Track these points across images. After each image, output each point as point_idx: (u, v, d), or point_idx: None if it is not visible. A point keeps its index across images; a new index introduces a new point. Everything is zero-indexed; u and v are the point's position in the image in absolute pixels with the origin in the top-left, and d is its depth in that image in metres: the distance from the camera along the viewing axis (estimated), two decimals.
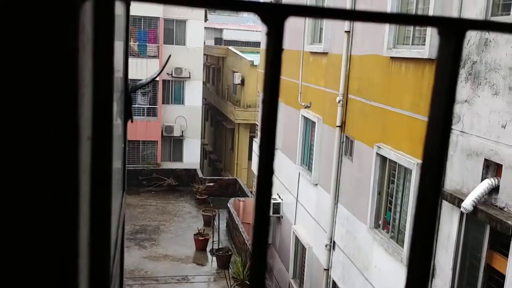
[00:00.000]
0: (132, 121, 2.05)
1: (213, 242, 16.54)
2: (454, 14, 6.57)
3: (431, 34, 7.11)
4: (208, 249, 16.62)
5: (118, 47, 1.60)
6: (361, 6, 9.62)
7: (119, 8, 1.65)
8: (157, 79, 23.81)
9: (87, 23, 0.64)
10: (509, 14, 5.86)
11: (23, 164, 0.53)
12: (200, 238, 16.60)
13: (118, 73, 1.62)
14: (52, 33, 0.50)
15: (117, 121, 1.64)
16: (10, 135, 0.52)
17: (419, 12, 7.74)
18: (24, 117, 0.52)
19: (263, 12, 0.40)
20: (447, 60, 0.44)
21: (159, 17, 23.86)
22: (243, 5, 0.41)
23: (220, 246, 16.26)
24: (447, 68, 0.44)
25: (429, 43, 7.14)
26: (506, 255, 5.69)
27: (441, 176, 0.46)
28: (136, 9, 22.22)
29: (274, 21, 0.40)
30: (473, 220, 6.22)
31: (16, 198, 0.53)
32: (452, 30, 0.44)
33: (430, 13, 7.12)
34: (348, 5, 9.84)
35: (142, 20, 23.77)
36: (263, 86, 0.41)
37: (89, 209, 0.79)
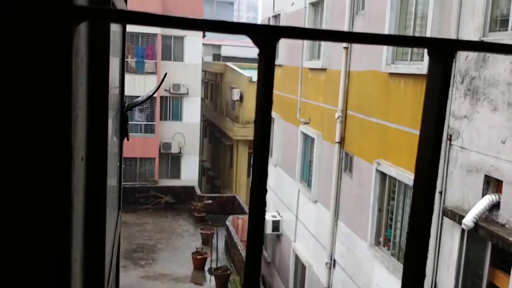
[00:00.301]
0: (128, 139, 2.02)
1: (211, 261, 16.36)
2: (452, 30, 6.59)
3: None
4: (206, 268, 16.43)
5: (114, 64, 1.58)
6: (359, 24, 9.68)
7: (115, 25, 1.64)
8: (155, 95, 23.85)
9: (81, 45, 0.64)
10: (507, 30, 5.88)
11: (15, 184, 0.53)
12: (198, 257, 16.41)
13: (114, 90, 1.60)
14: (46, 57, 0.51)
15: (113, 139, 1.62)
16: (2, 156, 0.52)
17: (418, 28, 7.78)
18: (17, 139, 0.52)
19: (254, 34, 0.41)
20: (437, 80, 0.46)
21: (157, 34, 23.99)
22: (235, 27, 0.42)
23: (219, 265, 16.08)
24: (436, 88, 0.46)
25: (427, 59, 7.14)
26: (508, 272, 5.61)
27: (434, 193, 0.47)
28: (134, 26, 22.37)
29: (266, 43, 0.41)
30: (475, 237, 6.15)
31: (8, 218, 0.53)
32: (442, 51, 0.46)
33: (428, 28, 7.15)
34: (346, 23, 9.90)
35: (140, 36, 23.90)
36: (256, 105, 0.42)
37: (83, 229, 0.78)
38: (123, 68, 2.07)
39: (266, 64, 0.41)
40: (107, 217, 1.17)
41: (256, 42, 0.41)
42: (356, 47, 9.71)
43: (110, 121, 1.32)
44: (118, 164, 1.94)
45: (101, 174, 0.92)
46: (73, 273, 0.61)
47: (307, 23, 12.24)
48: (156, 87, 3.31)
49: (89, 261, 0.87)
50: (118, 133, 1.86)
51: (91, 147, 0.80)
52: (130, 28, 22.33)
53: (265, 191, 0.44)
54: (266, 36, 0.41)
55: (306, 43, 12.26)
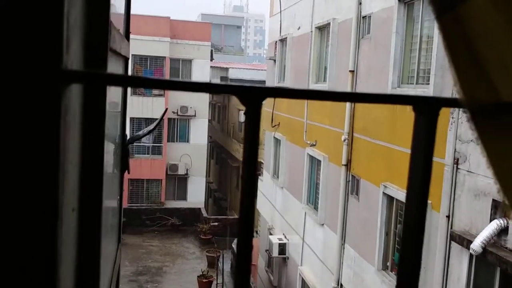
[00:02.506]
0: (129, 173, 2.05)
1: (217, 284, 16.20)
2: None
3: (435, 73, 7.17)
4: None
5: (113, 99, 1.57)
6: (365, 47, 9.77)
7: (117, 64, 1.65)
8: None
9: (74, 103, 0.64)
10: None
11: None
12: (204, 280, 16.27)
13: (114, 125, 1.60)
14: (36, 117, 0.51)
15: (114, 172, 1.63)
16: None
17: (423, 52, 7.84)
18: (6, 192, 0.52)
19: (241, 94, 0.44)
20: (422, 136, 0.47)
21: (165, 57, 24.29)
22: (226, 88, 0.45)
23: None
24: (422, 144, 0.47)
25: (433, 82, 7.19)
26: None
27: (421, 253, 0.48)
28: (143, 49, 22.67)
29: (251, 102, 0.44)
30: (483, 262, 6.07)
31: None
32: (426, 108, 0.47)
33: (434, 52, 7.21)
34: (352, 47, 10.00)
35: (148, 59, 24.21)
36: (242, 160, 0.44)
37: (74, 281, 0.76)
38: (125, 97, 2.09)
39: (252, 122, 0.43)
40: (106, 253, 1.17)
41: (242, 101, 0.43)
42: (362, 71, 9.78)
43: (109, 157, 1.33)
44: (119, 197, 1.95)
45: (95, 224, 0.92)
46: None
47: (313, 47, 12.37)
48: (156, 122, 3.42)
49: None
50: (118, 167, 1.86)
51: (84, 197, 0.80)
52: (139, 51, 22.64)
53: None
54: (253, 96, 0.43)
55: (313, 66, 12.37)
